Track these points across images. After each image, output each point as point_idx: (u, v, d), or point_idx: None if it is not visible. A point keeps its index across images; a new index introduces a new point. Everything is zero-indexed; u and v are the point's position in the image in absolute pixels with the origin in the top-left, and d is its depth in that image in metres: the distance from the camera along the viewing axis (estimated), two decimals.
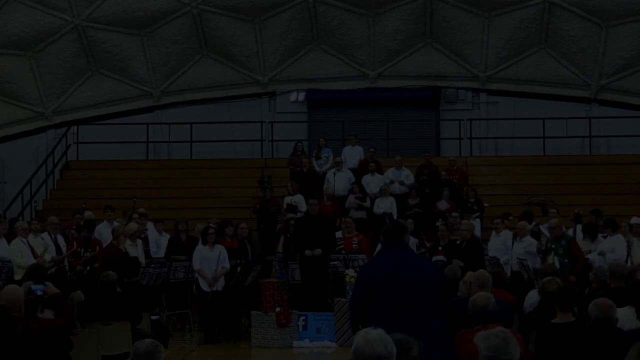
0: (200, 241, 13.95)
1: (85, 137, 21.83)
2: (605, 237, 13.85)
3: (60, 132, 22.06)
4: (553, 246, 13.20)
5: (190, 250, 14.23)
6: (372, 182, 18.67)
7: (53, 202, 20.47)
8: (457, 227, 14.60)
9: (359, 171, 19.28)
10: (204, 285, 13.71)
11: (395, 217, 16.95)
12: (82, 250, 14.39)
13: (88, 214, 16.34)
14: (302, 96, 22.39)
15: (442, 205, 17.87)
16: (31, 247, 13.81)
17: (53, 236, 14.48)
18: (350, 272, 13.33)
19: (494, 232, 15.43)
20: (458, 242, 13.73)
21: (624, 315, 7.47)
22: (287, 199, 17.72)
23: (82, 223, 15.32)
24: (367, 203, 18.07)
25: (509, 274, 13.07)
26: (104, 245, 14.09)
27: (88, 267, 14.11)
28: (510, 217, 16.06)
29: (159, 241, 15.69)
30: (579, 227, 14.50)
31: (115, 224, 14.92)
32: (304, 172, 19.09)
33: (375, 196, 18.27)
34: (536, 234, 14.89)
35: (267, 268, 15.24)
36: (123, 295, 10.09)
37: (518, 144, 21.62)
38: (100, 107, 22.25)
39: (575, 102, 21.91)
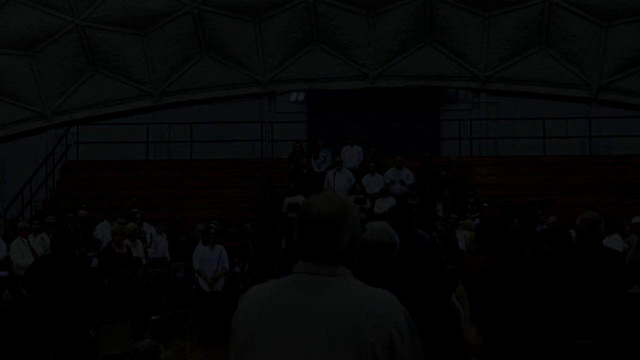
0: (200, 241, 13.95)
1: (85, 137, 21.84)
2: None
3: (60, 132, 22.04)
4: None
5: (190, 250, 14.23)
6: (372, 182, 18.67)
7: (53, 202, 20.47)
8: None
9: (359, 171, 19.27)
10: (204, 286, 13.72)
11: None
12: (85, 250, 14.40)
13: (82, 212, 16.35)
14: (302, 96, 22.39)
15: (440, 210, 17.85)
16: (32, 248, 13.84)
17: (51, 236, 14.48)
18: None
19: None
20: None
21: None
22: (288, 199, 17.72)
23: (80, 222, 15.35)
24: (367, 205, 18.06)
25: None
26: (105, 245, 14.10)
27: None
28: None
29: (157, 241, 15.69)
30: None
31: (115, 225, 14.92)
32: (304, 173, 19.09)
33: (375, 196, 18.26)
34: None
35: (267, 268, 15.23)
36: (123, 295, 10.09)
37: (518, 144, 21.61)
38: (100, 107, 22.16)
39: (575, 102, 21.89)
